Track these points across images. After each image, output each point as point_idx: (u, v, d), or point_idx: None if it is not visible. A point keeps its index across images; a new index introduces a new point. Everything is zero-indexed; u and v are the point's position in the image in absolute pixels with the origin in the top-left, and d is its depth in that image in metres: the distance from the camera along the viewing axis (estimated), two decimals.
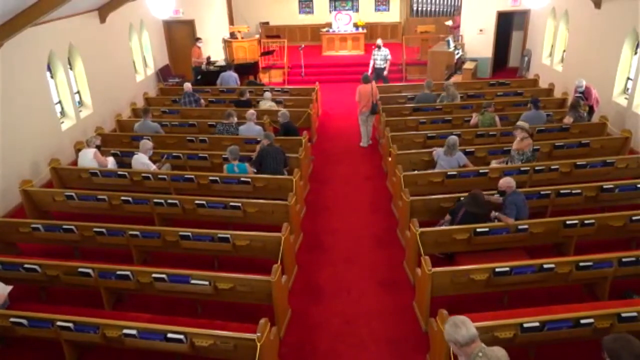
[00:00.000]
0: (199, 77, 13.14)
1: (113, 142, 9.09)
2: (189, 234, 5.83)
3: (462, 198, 6.22)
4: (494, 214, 5.99)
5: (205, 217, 6.75)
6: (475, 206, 5.87)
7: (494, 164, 7.57)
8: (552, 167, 7.25)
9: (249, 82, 13.25)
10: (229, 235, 5.74)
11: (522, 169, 7.18)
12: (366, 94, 9.70)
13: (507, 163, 7.47)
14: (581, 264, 5.06)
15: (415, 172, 7.34)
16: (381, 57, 12.29)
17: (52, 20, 8.70)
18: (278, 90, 11.99)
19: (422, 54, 15.21)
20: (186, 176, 7.36)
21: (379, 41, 12.45)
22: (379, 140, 10.17)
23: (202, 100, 10.98)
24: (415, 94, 10.69)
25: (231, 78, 12.12)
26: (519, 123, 7.55)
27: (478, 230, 5.69)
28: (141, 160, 7.48)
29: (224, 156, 7.73)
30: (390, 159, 8.08)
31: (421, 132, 8.88)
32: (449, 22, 16.20)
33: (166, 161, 7.93)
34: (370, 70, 12.21)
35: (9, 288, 5.06)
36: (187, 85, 10.95)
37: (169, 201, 6.67)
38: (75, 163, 8.59)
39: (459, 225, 5.86)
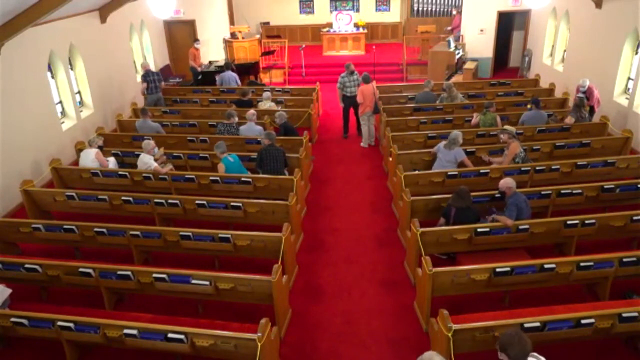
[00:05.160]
0: (199, 77, 13.14)
1: (114, 142, 9.09)
2: (190, 234, 5.83)
3: (444, 204, 6.25)
4: (491, 215, 6.00)
5: (206, 217, 6.75)
6: (462, 200, 5.88)
7: (488, 160, 7.59)
8: (553, 167, 7.25)
9: (249, 82, 13.25)
10: (229, 235, 5.74)
11: (522, 169, 7.18)
12: (369, 94, 9.72)
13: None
14: (582, 264, 5.06)
15: (416, 172, 7.35)
16: (355, 83, 10.13)
17: (52, 21, 8.71)
18: (279, 90, 11.99)
19: (423, 54, 15.22)
20: (187, 176, 7.36)
21: (351, 65, 10.29)
22: (380, 141, 10.17)
23: (163, 83, 10.95)
24: (416, 93, 10.68)
25: (232, 78, 12.12)
26: (504, 127, 7.61)
27: (479, 230, 5.70)
28: (143, 160, 7.49)
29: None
30: (391, 158, 8.08)
31: (422, 132, 8.89)
32: (449, 28, 16.17)
33: (168, 161, 7.92)
34: (340, 101, 10.49)
35: (9, 291, 5.06)
36: (146, 64, 11.00)
37: (170, 201, 6.67)
38: (76, 163, 8.60)
39: (455, 224, 5.87)
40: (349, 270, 6.34)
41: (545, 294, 5.56)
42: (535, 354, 3.20)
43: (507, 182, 5.93)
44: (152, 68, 13.80)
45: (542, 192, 6.54)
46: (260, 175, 7.34)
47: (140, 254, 6.27)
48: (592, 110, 9.26)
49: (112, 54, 11.18)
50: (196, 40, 13.30)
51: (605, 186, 6.63)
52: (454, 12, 16.09)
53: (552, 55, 12.94)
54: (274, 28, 18.68)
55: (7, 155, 7.69)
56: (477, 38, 14.84)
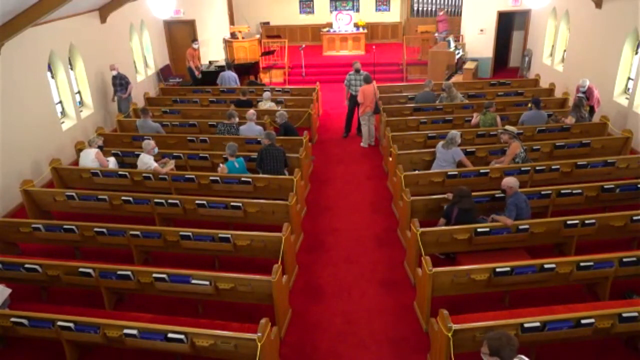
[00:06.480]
0: (198, 77, 13.12)
1: (114, 142, 9.09)
2: (190, 234, 5.83)
3: (447, 196, 6.33)
4: (490, 216, 5.99)
5: (206, 217, 6.75)
6: (466, 200, 5.90)
7: (493, 163, 7.57)
8: (553, 167, 7.25)
9: (249, 82, 13.26)
10: (229, 235, 5.74)
11: (522, 169, 7.18)
12: (370, 94, 9.72)
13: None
14: (582, 264, 5.06)
15: (416, 172, 7.35)
16: (360, 82, 10.00)
17: (52, 21, 8.72)
18: (279, 90, 11.99)
19: (423, 54, 15.22)
20: (187, 176, 7.36)
21: (357, 64, 10.29)
22: (380, 141, 10.17)
23: (131, 85, 10.79)
24: (416, 93, 10.69)
25: (231, 78, 12.12)
26: (505, 127, 7.61)
27: (479, 230, 5.70)
28: (143, 160, 7.49)
29: (224, 156, 7.73)
30: (391, 159, 8.08)
31: (422, 132, 8.89)
32: (436, 34, 16.07)
33: (167, 161, 7.90)
34: (347, 99, 10.56)
35: (9, 291, 5.07)
36: (113, 65, 10.58)
37: (170, 201, 6.67)
38: (76, 163, 8.60)
39: (455, 225, 5.87)
40: (349, 270, 6.34)
41: (545, 294, 5.56)
42: (521, 356, 3.20)
43: (508, 182, 5.92)
44: (152, 68, 13.86)
45: (542, 192, 6.54)
46: (260, 175, 7.34)
47: (140, 254, 6.26)
48: (592, 110, 9.26)
49: (112, 54, 11.16)
50: (194, 40, 13.29)
51: (605, 186, 6.63)
52: (440, 13, 16.15)
53: (552, 55, 12.93)
54: (274, 28, 18.68)
55: (7, 155, 7.69)
56: (477, 38, 14.85)
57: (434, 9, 18.02)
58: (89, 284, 5.38)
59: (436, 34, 15.72)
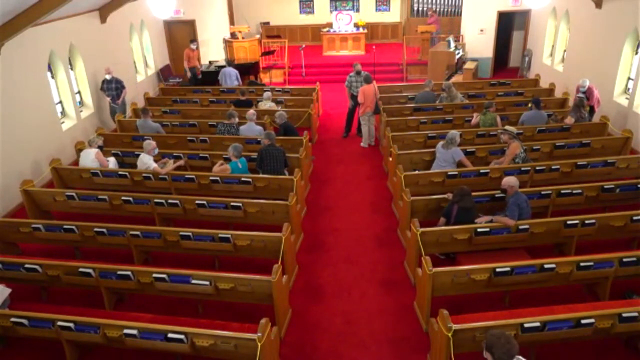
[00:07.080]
0: (198, 77, 13.12)
1: (114, 142, 9.09)
2: (190, 234, 5.83)
3: (447, 196, 6.35)
4: (488, 217, 5.98)
5: (206, 217, 6.75)
6: (467, 199, 5.91)
7: (493, 163, 7.57)
8: (553, 167, 7.25)
9: (249, 82, 13.25)
10: (229, 235, 5.75)
11: (522, 169, 7.18)
12: (370, 94, 9.72)
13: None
14: (582, 264, 5.06)
15: (416, 172, 7.35)
16: (361, 83, 9.91)
17: (52, 20, 8.72)
18: (279, 90, 11.99)
19: (423, 54, 15.23)
20: (187, 176, 7.36)
21: (358, 66, 10.32)
22: (380, 141, 10.17)
23: (125, 90, 10.53)
24: (416, 93, 10.69)
25: (232, 73, 12.10)
26: (505, 127, 7.61)
27: (479, 230, 5.70)
28: (142, 160, 7.49)
29: (225, 156, 7.73)
30: (391, 158, 8.08)
31: (422, 132, 8.89)
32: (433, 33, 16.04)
33: (167, 161, 7.89)
34: (349, 99, 10.56)
35: (9, 291, 5.07)
36: (109, 69, 10.27)
37: (170, 201, 6.67)
38: (76, 163, 8.61)
39: (455, 224, 5.87)
40: (349, 270, 6.34)
41: (545, 294, 5.56)
42: (520, 357, 3.19)
43: (509, 181, 5.91)
44: (152, 68, 13.86)
45: (542, 192, 6.54)
46: (260, 175, 7.34)
47: (140, 254, 6.27)
48: (592, 110, 9.26)
49: (112, 54, 11.17)
50: (192, 41, 13.26)
51: (605, 186, 6.63)
52: (430, 13, 16.11)
53: (552, 55, 12.94)
54: (274, 28, 18.70)
55: (7, 155, 7.69)
56: (477, 38, 14.85)
57: (434, 9, 18.03)
58: (89, 284, 5.38)
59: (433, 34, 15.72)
